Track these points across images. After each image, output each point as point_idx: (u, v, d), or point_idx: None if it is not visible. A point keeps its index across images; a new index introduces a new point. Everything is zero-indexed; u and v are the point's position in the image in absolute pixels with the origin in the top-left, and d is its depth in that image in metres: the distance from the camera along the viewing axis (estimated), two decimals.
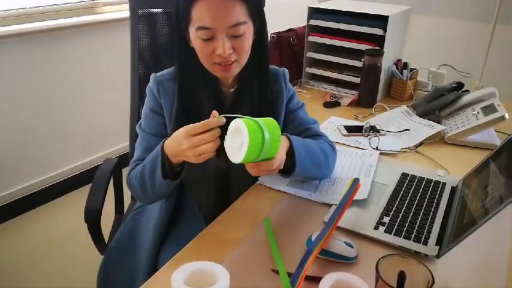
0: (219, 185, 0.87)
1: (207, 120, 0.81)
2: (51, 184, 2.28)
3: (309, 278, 0.76)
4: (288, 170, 0.94)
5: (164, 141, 0.89)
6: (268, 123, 0.79)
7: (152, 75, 1.02)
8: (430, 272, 0.66)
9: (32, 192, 2.21)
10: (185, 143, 0.82)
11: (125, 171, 1.28)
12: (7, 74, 1.98)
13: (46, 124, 2.19)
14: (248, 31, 0.92)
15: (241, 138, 0.76)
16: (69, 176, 2.36)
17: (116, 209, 1.32)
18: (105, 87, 2.40)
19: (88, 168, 2.43)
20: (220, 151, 1.02)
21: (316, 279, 0.76)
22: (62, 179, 2.33)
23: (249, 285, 0.77)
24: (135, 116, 1.32)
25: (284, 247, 0.86)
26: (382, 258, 0.69)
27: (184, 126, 0.83)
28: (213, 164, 1.03)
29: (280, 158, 0.85)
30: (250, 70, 0.99)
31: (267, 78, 1.03)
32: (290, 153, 0.92)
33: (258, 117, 0.80)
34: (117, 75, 2.25)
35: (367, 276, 0.72)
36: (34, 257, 1.91)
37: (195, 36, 0.91)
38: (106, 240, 1.15)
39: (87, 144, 2.43)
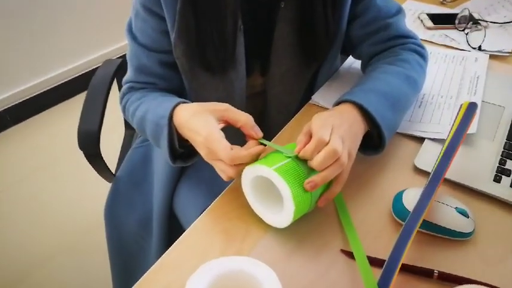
0: (251, 107, 0.59)
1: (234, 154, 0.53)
2: (42, 91, 1.97)
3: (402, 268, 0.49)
4: (373, 145, 0.62)
5: (172, 111, 0.60)
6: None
7: None
8: None
9: (21, 100, 1.91)
10: (204, 147, 0.56)
11: None
12: None
13: (32, 19, 1.82)
14: None
15: (274, 192, 0.53)
16: (63, 82, 2.04)
17: (125, 123, 1.05)
18: None
19: (86, 71, 2.10)
20: (254, 67, 0.70)
21: (416, 271, 0.49)
22: (55, 85, 2.02)
23: (313, 273, 0.51)
24: None
25: (352, 211, 0.58)
26: None
27: (216, 142, 0.54)
28: (244, 81, 0.72)
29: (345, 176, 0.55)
30: None
31: None
32: (374, 126, 0.60)
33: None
34: None
35: (485, 262, 0.45)
36: (25, 175, 1.66)
37: None
38: (116, 162, 0.93)
39: (83, 42, 2.05)
